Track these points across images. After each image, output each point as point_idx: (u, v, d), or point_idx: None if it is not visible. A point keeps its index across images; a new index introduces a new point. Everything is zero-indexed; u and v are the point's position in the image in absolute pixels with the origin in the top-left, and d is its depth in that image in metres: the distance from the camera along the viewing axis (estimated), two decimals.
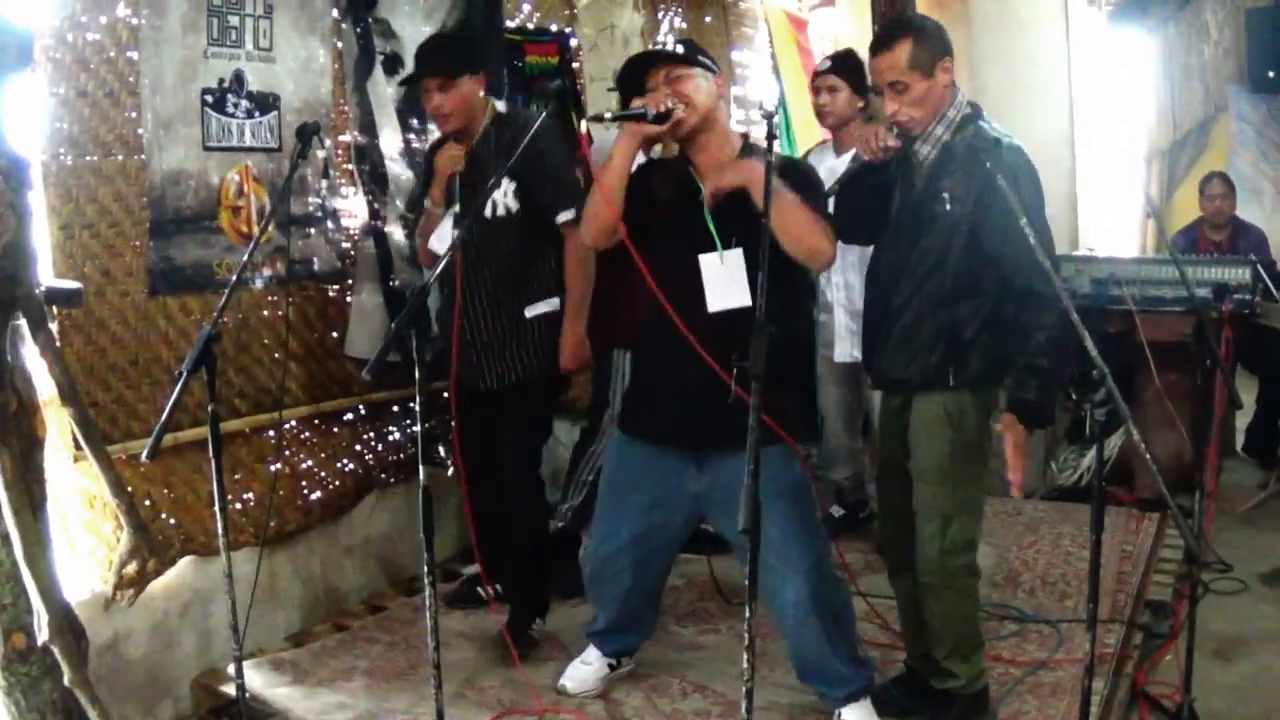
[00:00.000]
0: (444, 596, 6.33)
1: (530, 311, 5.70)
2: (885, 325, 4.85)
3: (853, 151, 5.41)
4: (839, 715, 4.96)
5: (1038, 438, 8.29)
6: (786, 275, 4.50)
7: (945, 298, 4.64)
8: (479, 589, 6.24)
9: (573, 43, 8.05)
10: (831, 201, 4.90)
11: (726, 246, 4.62)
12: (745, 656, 3.46)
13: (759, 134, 4.35)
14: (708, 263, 4.64)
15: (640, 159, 4.92)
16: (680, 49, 4.69)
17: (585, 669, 5.40)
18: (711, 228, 4.63)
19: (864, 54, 5.09)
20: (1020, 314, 4.51)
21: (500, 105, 5.82)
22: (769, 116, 4.14)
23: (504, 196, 5.60)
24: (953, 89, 4.72)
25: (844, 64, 6.62)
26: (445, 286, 5.73)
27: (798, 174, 4.69)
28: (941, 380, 4.70)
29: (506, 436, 5.76)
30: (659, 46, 4.78)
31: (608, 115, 4.69)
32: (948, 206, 4.60)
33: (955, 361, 4.67)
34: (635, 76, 4.70)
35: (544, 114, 4.64)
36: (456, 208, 5.59)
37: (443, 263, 4.26)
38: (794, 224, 4.43)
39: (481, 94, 5.69)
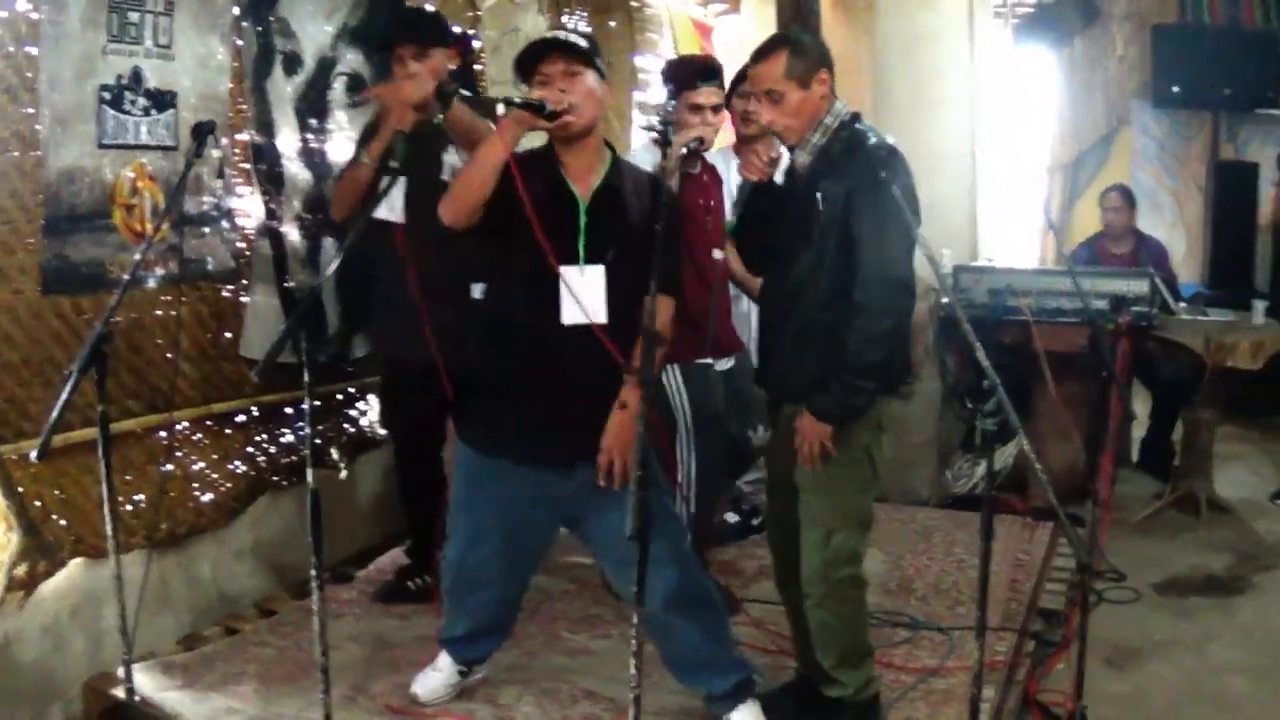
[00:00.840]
0: (376, 593, 6.41)
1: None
2: (774, 333, 4.90)
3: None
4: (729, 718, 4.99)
5: (931, 447, 8.35)
6: None
7: (825, 303, 4.66)
8: (408, 582, 6.31)
9: (476, 45, 8.03)
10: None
11: (593, 259, 4.62)
12: (633, 662, 3.47)
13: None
14: (568, 274, 4.60)
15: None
16: (584, 43, 4.64)
17: (436, 676, 5.38)
18: (582, 241, 4.64)
19: None
20: (854, 328, 4.55)
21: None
22: (666, 122, 4.14)
23: (459, 162, 5.65)
24: (830, 99, 4.76)
25: None
26: (382, 261, 5.81)
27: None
28: (807, 395, 4.73)
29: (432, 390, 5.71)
30: (563, 29, 4.74)
31: (515, 100, 4.65)
32: (821, 207, 4.63)
33: (834, 368, 4.67)
34: (532, 60, 4.65)
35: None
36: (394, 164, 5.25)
37: (353, 235, 4.21)
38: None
39: (450, 68, 5.82)
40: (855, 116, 4.80)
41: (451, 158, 5.65)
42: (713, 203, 6.04)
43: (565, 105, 4.49)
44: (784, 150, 4.88)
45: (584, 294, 4.60)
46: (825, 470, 4.75)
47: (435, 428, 6.11)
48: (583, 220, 4.65)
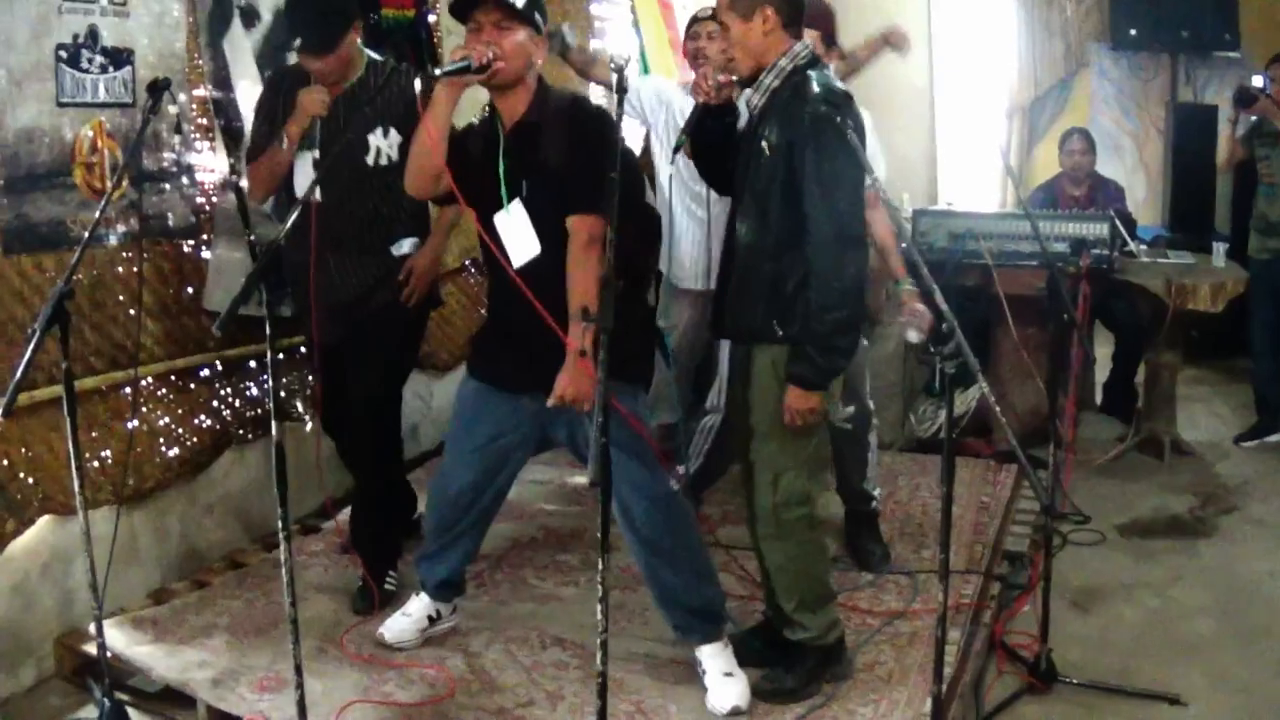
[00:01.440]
0: (340, 545, 6.40)
1: (397, 250, 5.73)
2: (727, 273, 4.93)
3: None
4: (697, 658, 5.04)
5: (895, 391, 8.37)
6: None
7: (769, 249, 4.69)
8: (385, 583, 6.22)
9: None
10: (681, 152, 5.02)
11: (514, 195, 4.76)
12: (599, 608, 3.50)
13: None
14: (500, 220, 4.79)
15: None
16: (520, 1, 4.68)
17: (405, 620, 5.45)
18: (502, 182, 4.77)
19: None
20: (813, 289, 4.58)
21: (372, 54, 5.76)
22: (619, 69, 4.15)
23: (388, 146, 5.58)
24: (781, 38, 4.75)
25: None
26: (297, 240, 5.45)
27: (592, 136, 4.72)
28: (768, 333, 4.75)
29: (359, 376, 5.77)
30: None
31: (437, 72, 4.68)
32: (766, 154, 4.66)
33: (779, 315, 4.70)
34: (466, 4, 4.68)
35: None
36: (316, 153, 5.47)
37: (295, 212, 4.18)
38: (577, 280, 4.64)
39: (358, 41, 5.65)
40: (814, 61, 4.79)
41: (378, 139, 5.56)
42: None
43: (488, 57, 4.55)
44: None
45: (515, 233, 4.77)
46: (770, 412, 4.80)
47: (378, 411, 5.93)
48: (501, 159, 4.78)
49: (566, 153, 4.66)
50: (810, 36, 5.75)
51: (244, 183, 5.86)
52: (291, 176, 5.63)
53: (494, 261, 4.82)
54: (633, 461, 4.74)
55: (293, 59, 6.05)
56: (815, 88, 4.61)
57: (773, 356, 4.77)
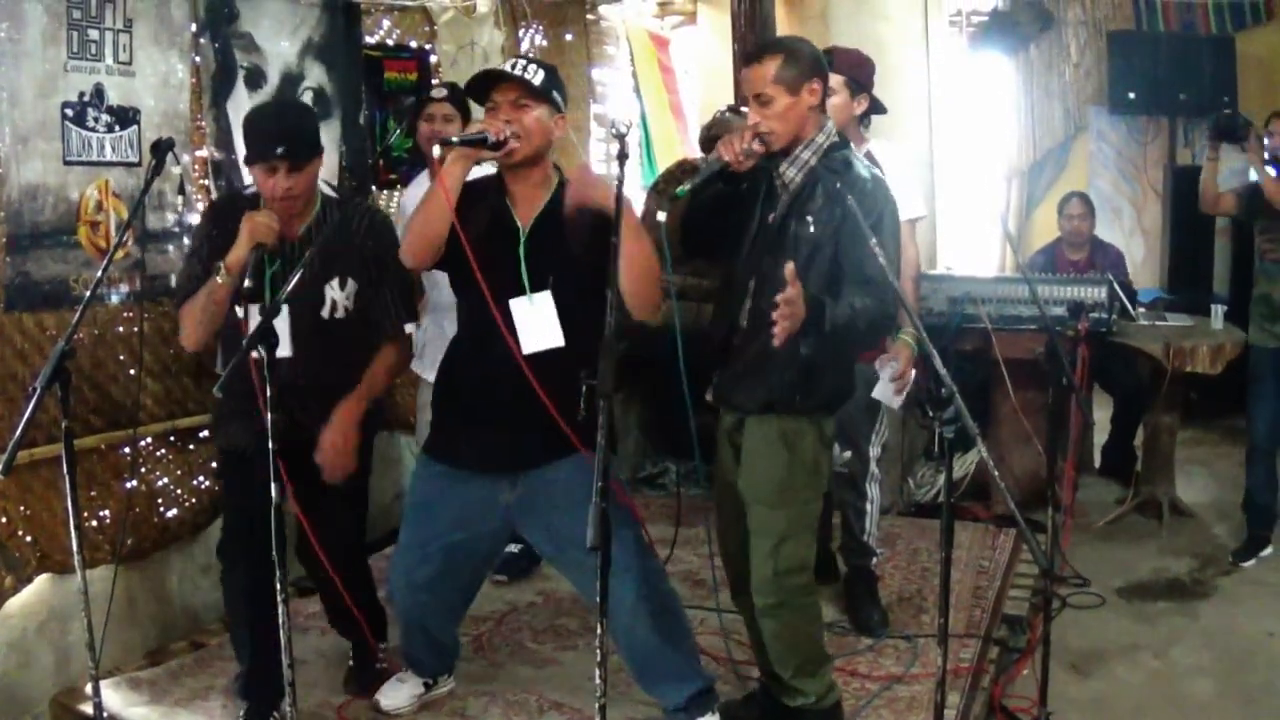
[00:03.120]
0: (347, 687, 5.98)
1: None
2: (733, 345, 4.90)
3: None
4: None
5: (893, 455, 8.36)
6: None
7: (805, 325, 4.60)
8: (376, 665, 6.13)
9: (432, 59, 8.05)
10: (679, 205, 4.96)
11: (538, 286, 4.68)
12: (598, 673, 3.49)
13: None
14: (518, 306, 4.68)
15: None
16: (539, 76, 4.62)
17: (401, 687, 5.44)
18: (524, 269, 4.69)
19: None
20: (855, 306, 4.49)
21: (327, 190, 5.32)
22: (621, 136, 4.16)
23: (344, 298, 5.09)
24: (821, 116, 4.78)
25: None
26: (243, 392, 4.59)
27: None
28: (788, 405, 4.76)
29: (331, 508, 5.23)
30: (524, 58, 4.62)
31: (454, 140, 4.65)
32: (811, 229, 4.65)
33: (803, 388, 4.72)
34: (483, 85, 4.69)
35: (373, 214, 4.60)
36: (246, 284, 4.71)
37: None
38: (638, 268, 4.48)
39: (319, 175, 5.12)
40: (844, 140, 4.84)
41: (333, 291, 5.05)
42: None
43: (506, 135, 4.52)
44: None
45: (536, 321, 4.69)
46: (776, 481, 4.81)
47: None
48: (523, 250, 4.70)
49: (594, 241, 4.48)
50: (837, 82, 5.77)
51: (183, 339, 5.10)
52: (232, 327, 4.97)
53: (484, 338, 4.72)
54: (626, 543, 4.70)
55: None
56: (862, 171, 4.67)
57: (784, 426, 4.78)
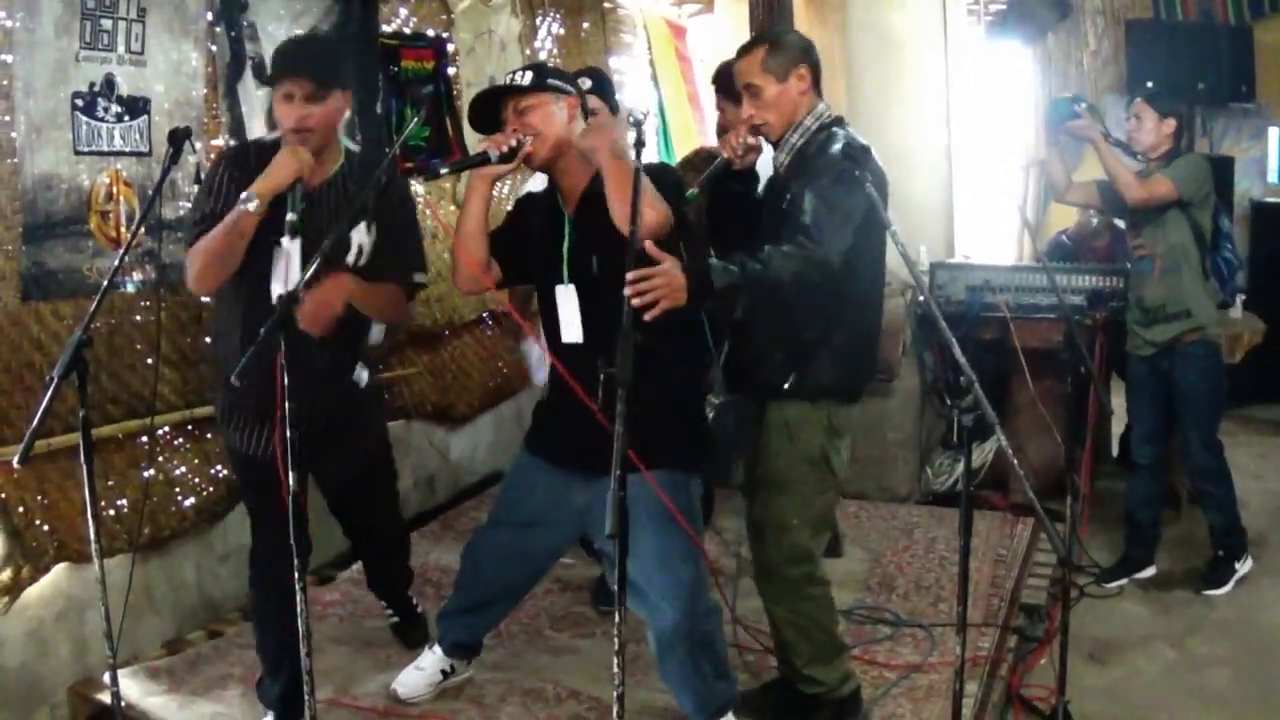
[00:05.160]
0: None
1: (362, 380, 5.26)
2: (746, 329, 4.94)
3: None
4: None
5: (911, 444, 8.35)
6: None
7: (787, 303, 4.66)
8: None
9: (449, 48, 8.03)
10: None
11: (587, 270, 4.67)
12: (616, 661, 3.48)
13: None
14: (560, 294, 4.74)
15: (536, 185, 5.02)
16: (527, 76, 4.62)
17: (418, 675, 5.44)
18: (565, 256, 4.72)
19: None
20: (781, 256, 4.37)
21: (349, 144, 5.16)
22: (638, 124, 4.15)
23: (368, 243, 4.97)
24: (811, 99, 4.81)
25: None
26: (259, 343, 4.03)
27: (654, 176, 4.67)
28: (777, 389, 4.79)
29: (355, 455, 5.41)
30: (511, 74, 4.55)
31: (444, 170, 4.67)
32: (789, 209, 4.64)
33: (795, 371, 4.75)
34: (489, 108, 4.71)
35: (392, 161, 4.57)
36: (289, 241, 4.50)
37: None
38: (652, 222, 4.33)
39: (346, 116, 5.05)
40: (837, 120, 4.83)
41: (359, 235, 4.92)
42: None
43: (512, 144, 4.54)
44: (764, 145, 4.89)
45: (567, 311, 4.73)
46: (783, 469, 4.84)
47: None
48: (567, 236, 4.72)
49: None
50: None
51: (190, 283, 4.91)
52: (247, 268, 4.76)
53: (558, 350, 4.80)
54: (670, 566, 4.65)
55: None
56: (839, 143, 4.59)
57: (787, 415, 4.81)
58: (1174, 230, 6.85)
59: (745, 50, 4.86)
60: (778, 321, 4.74)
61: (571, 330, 4.73)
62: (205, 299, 5.87)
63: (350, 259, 4.91)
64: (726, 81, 5.80)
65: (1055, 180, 7.60)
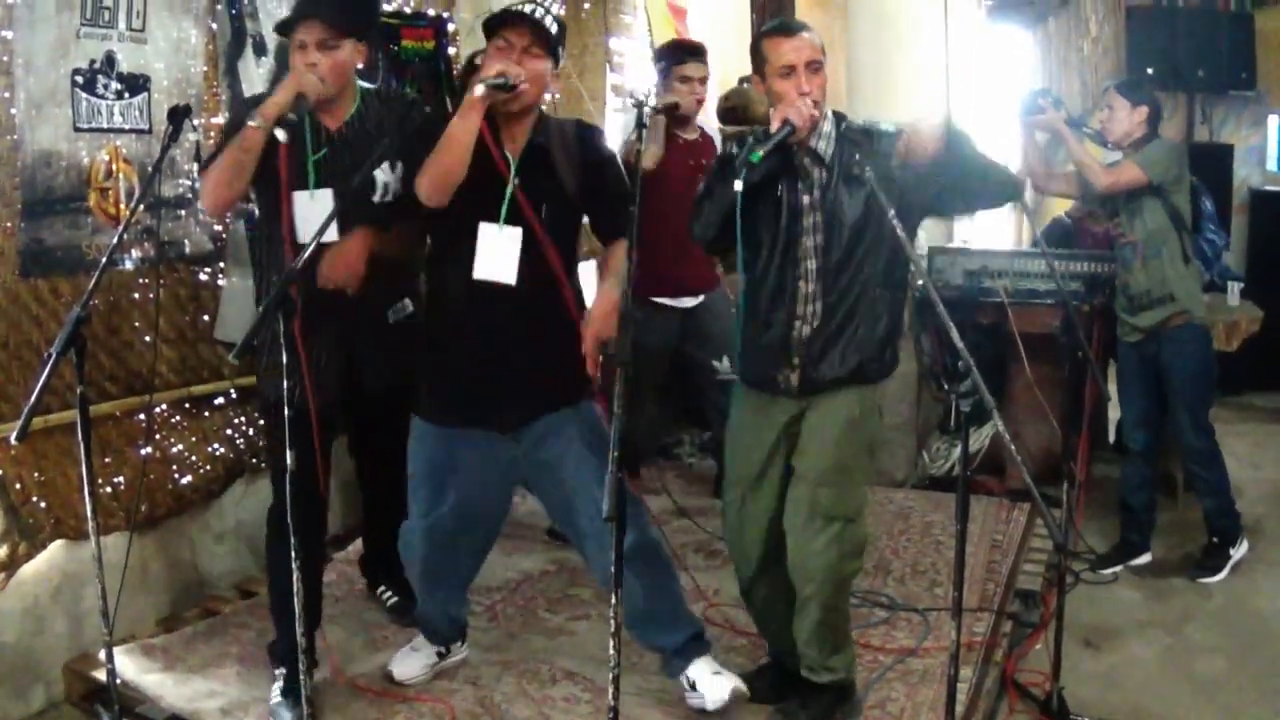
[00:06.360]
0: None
1: (394, 315, 5.35)
2: (822, 322, 4.73)
3: None
4: (686, 676, 5.03)
5: (908, 428, 8.35)
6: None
7: (881, 284, 4.67)
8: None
9: (450, 27, 8.00)
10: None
11: (533, 215, 4.69)
12: (611, 643, 3.48)
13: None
14: (485, 231, 4.70)
15: None
16: (555, 29, 4.70)
17: (414, 656, 5.43)
18: (505, 200, 4.70)
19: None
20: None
21: (364, 84, 5.29)
22: (639, 105, 4.15)
23: (395, 180, 5.07)
24: None
25: None
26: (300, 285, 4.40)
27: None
28: (861, 376, 4.72)
29: (393, 436, 5.32)
30: (543, 5, 4.59)
31: (486, 83, 4.65)
32: (870, 187, 4.45)
33: (880, 355, 4.74)
34: (502, 23, 4.72)
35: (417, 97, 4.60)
36: (312, 192, 4.93)
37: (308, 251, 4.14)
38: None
39: (359, 66, 5.15)
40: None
41: (384, 174, 5.06)
42: (704, 161, 6.46)
43: (519, 81, 4.58)
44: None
45: (498, 251, 4.69)
46: (849, 459, 4.74)
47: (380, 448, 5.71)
48: (513, 180, 4.71)
49: (585, 177, 4.70)
50: None
51: (203, 201, 5.32)
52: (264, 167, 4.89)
53: (471, 294, 4.74)
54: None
55: None
56: (876, 129, 4.70)
57: (861, 399, 4.76)
58: (1152, 216, 6.83)
59: (801, 28, 4.73)
60: (875, 305, 4.69)
61: (502, 271, 4.68)
62: (204, 277, 6.04)
63: (377, 197, 5.06)
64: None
65: (1033, 170, 7.61)
